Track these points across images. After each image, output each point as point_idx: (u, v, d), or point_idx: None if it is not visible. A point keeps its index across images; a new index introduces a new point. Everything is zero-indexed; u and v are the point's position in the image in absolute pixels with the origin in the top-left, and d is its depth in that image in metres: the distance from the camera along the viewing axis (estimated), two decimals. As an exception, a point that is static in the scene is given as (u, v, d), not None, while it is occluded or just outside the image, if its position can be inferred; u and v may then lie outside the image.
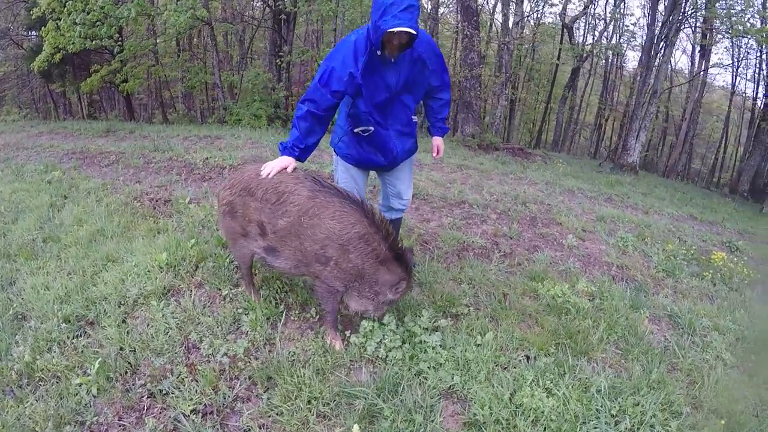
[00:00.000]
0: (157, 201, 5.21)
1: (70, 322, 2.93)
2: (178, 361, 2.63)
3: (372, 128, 2.99)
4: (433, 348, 2.77)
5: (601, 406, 2.45)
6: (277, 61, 13.15)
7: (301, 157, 2.89)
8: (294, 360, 2.67)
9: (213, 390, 2.45)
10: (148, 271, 3.37)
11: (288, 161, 2.85)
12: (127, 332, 2.82)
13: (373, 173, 3.51)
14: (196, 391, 2.44)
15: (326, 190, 2.69)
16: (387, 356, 2.72)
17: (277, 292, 3.27)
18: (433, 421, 2.33)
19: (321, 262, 2.66)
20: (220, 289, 3.26)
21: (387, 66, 2.81)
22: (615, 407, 2.46)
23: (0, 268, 3.69)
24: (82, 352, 2.69)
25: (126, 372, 2.57)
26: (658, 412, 2.45)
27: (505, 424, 2.33)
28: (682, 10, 12.57)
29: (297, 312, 3.10)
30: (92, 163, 7.18)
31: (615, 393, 2.56)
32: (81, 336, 2.84)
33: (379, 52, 2.71)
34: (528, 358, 2.86)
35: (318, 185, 2.71)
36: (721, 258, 4.86)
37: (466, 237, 4.61)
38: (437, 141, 3.49)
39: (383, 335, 2.81)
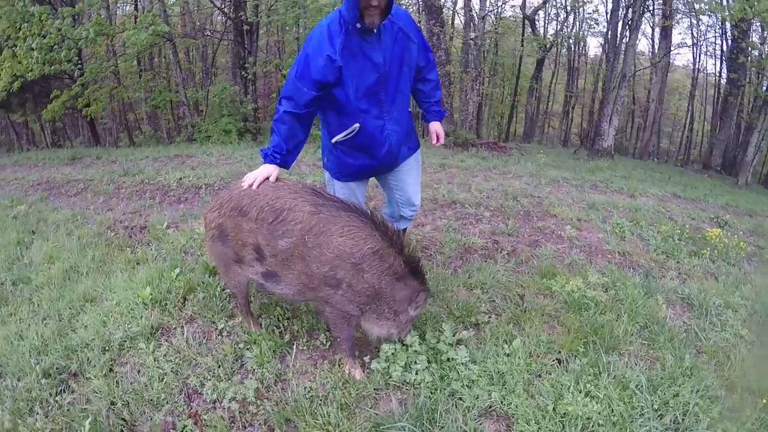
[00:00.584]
0: (132, 229, 4.90)
1: (50, 376, 2.59)
2: (180, 412, 2.34)
3: (357, 125, 2.69)
4: (464, 365, 2.56)
5: (643, 402, 2.37)
6: (243, 73, 12.85)
7: (284, 164, 2.67)
8: (312, 397, 2.41)
9: None
10: (132, 310, 3.06)
11: (270, 169, 2.60)
12: (117, 382, 2.51)
13: (373, 181, 3.28)
14: None
15: (330, 203, 2.41)
16: (415, 380, 2.49)
17: (278, 320, 3.01)
18: None
19: (331, 286, 2.37)
20: (214, 323, 2.97)
21: (370, 43, 2.54)
22: (656, 401, 2.39)
23: (-34, 319, 3.29)
24: (68, 410, 2.36)
25: (121, 431, 2.26)
26: (698, 400, 2.40)
27: None
28: (645, -6, 12.77)
29: (305, 340, 2.83)
30: (60, 194, 6.80)
31: (653, 387, 2.48)
32: (65, 391, 2.50)
33: (358, 24, 2.45)
34: (559, 361, 2.73)
35: (320, 198, 2.42)
36: (717, 234, 4.87)
37: (465, 238, 4.45)
38: (435, 126, 3.18)
39: (407, 357, 2.58)
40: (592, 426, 2.23)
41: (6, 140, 20.03)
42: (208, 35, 16.36)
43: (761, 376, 2.69)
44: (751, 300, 3.58)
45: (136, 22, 10.84)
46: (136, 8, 15.25)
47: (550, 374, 2.59)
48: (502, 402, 2.38)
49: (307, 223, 2.34)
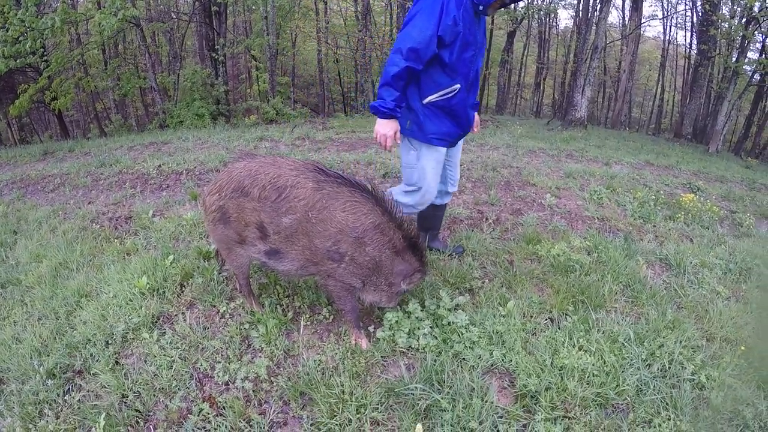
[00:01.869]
0: (117, 220, 4.82)
1: (55, 376, 2.55)
2: (193, 397, 2.36)
3: (458, 86, 2.76)
4: (465, 327, 2.68)
5: (632, 354, 2.55)
6: (214, 55, 12.58)
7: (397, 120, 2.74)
8: (323, 369, 2.47)
9: (246, 422, 2.21)
10: (130, 300, 3.04)
11: (394, 125, 2.69)
12: (125, 375, 2.50)
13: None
14: (227, 427, 2.18)
15: (332, 179, 2.44)
16: (420, 345, 2.59)
17: (280, 298, 3.05)
18: (488, 402, 2.22)
19: (334, 260, 2.44)
20: (215, 307, 3.00)
21: (477, 23, 2.71)
22: (644, 352, 2.57)
23: (-43, 326, 3.18)
24: (78, 408, 2.33)
25: (137, 422, 2.26)
26: (682, 350, 2.59)
27: (556, 388, 2.32)
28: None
29: (308, 316, 2.89)
30: (36, 190, 6.60)
31: (640, 339, 2.66)
32: (72, 390, 2.47)
33: (480, 6, 2.62)
34: (552, 320, 2.89)
35: (322, 174, 2.45)
36: (690, 199, 5.07)
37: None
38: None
39: (410, 324, 2.68)
40: (588, 376, 2.37)
41: (-27, 140, 19.28)
42: (174, 18, 15.88)
43: (737, 327, 2.88)
44: (725, 260, 3.76)
45: (100, 8, 10.42)
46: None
47: (545, 332, 2.75)
48: (503, 359, 2.52)
49: (310, 199, 2.38)
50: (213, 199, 2.59)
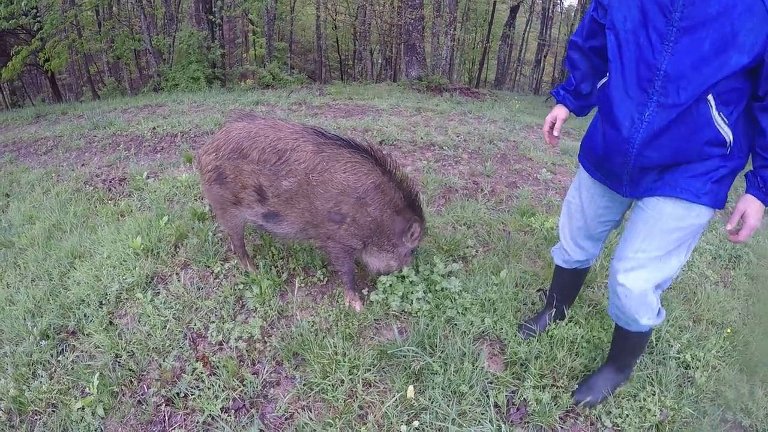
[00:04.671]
0: (111, 181, 4.77)
1: (49, 337, 2.55)
2: (187, 357, 2.37)
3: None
4: (458, 293, 2.71)
5: None
6: (211, 17, 12.32)
7: (572, 106, 2.11)
8: (317, 330, 2.49)
9: (239, 381, 2.23)
10: (124, 261, 3.05)
11: (557, 112, 2.13)
12: (119, 335, 2.52)
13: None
14: (220, 386, 2.21)
15: (332, 141, 2.44)
16: (413, 309, 2.61)
17: (274, 260, 3.05)
18: (479, 367, 2.26)
19: (335, 221, 2.44)
20: (209, 267, 3.00)
21: None
22: None
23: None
24: (72, 369, 2.34)
25: (131, 381, 2.28)
26: (669, 328, 2.61)
27: (545, 357, 2.36)
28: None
29: (302, 278, 2.89)
30: (29, 153, 6.52)
31: None
32: (66, 351, 2.48)
33: None
34: (542, 291, 2.90)
35: (322, 137, 2.45)
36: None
37: (445, 179, 4.56)
38: (748, 204, 1.71)
39: (404, 288, 2.69)
40: (577, 348, 2.41)
41: (-39, 103, 18.96)
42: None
43: (724, 311, 2.90)
44: (715, 246, 3.77)
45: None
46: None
47: (535, 304, 2.78)
48: (494, 327, 2.55)
49: (310, 162, 2.37)
50: (210, 158, 2.57)
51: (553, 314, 2.51)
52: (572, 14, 22.78)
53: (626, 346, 2.17)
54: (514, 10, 21.53)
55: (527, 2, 23.84)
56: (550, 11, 24.48)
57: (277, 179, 2.41)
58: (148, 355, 2.40)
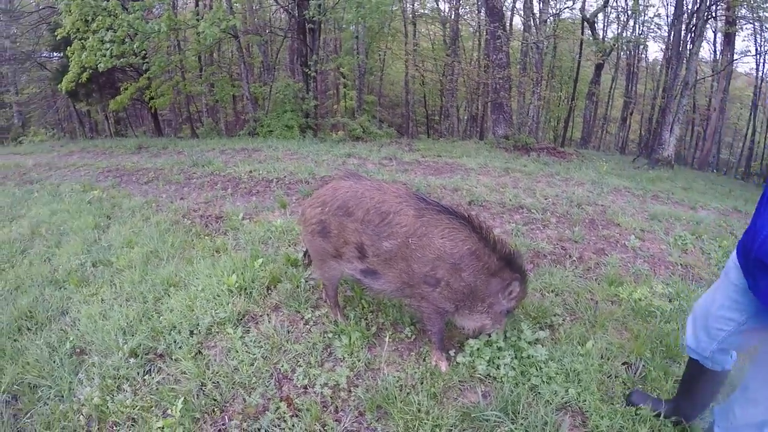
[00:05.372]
0: (208, 218, 5.03)
1: (137, 355, 2.67)
2: (271, 395, 2.39)
3: None
4: (543, 362, 2.62)
5: None
6: (306, 70, 13.03)
7: None
8: (402, 385, 2.45)
9: (321, 426, 2.21)
10: (218, 296, 3.15)
11: None
12: (206, 364, 2.58)
13: None
14: (301, 428, 2.20)
15: (432, 207, 2.49)
16: (499, 374, 2.53)
17: (364, 312, 3.05)
18: None
19: (430, 284, 2.46)
20: (299, 312, 3.03)
21: None
22: None
23: (49, 297, 3.42)
24: (157, 389, 2.43)
25: (213, 410, 2.31)
26: None
27: None
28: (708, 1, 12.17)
29: (390, 333, 2.87)
30: (130, 181, 7.05)
31: None
32: (153, 371, 2.58)
33: None
34: (627, 364, 2.75)
35: (423, 203, 2.51)
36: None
37: (534, 243, 4.45)
38: None
39: (491, 353, 2.63)
40: (660, 425, 2.27)
41: (69, 128, 21.02)
42: (270, 32, 16.67)
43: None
44: None
45: (200, 18, 11.11)
46: (197, 4, 15.68)
47: (619, 377, 2.64)
48: (577, 398, 2.43)
49: (411, 227, 2.43)
50: (315, 212, 2.68)
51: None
52: (657, 68, 22.14)
53: None
54: (599, 67, 21.21)
55: (612, 59, 23.46)
56: (635, 67, 23.94)
57: (378, 240, 2.48)
58: (233, 388, 2.43)
